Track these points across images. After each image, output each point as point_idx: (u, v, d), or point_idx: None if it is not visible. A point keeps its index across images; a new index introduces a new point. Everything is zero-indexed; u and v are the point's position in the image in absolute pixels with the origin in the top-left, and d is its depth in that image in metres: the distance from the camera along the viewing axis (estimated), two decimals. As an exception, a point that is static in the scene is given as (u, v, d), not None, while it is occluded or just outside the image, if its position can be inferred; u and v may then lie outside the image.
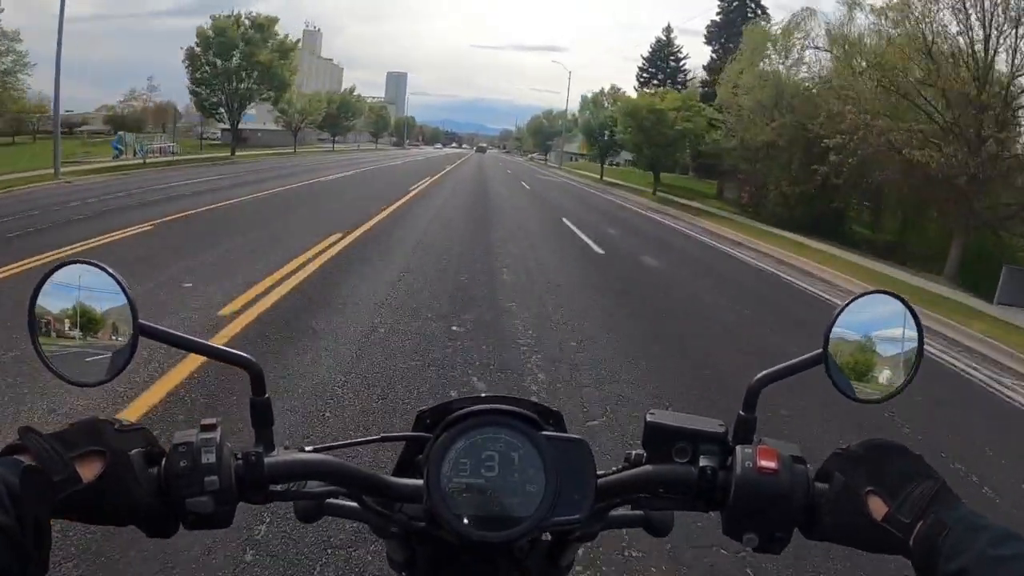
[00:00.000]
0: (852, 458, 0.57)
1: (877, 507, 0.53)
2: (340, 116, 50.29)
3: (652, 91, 33.00)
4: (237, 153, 31.22)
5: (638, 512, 0.69)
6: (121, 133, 27.37)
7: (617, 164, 46.07)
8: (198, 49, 31.51)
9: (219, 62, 31.46)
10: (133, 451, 0.56)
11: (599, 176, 37.95)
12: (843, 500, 0.55)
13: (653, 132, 27.08)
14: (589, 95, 40.43)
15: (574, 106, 53.46)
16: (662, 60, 44.27)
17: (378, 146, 77.86)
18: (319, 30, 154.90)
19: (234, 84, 32.06)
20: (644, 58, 44.95)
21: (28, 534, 0.46)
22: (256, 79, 32.54)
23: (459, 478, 0.59)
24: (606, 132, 34.45)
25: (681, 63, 44.30)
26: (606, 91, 40.23)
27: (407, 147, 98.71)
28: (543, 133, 73.77)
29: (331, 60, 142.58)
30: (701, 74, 38.59)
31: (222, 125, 37.88)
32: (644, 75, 44.39)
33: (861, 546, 0.55)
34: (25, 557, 0.45)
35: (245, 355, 0.63)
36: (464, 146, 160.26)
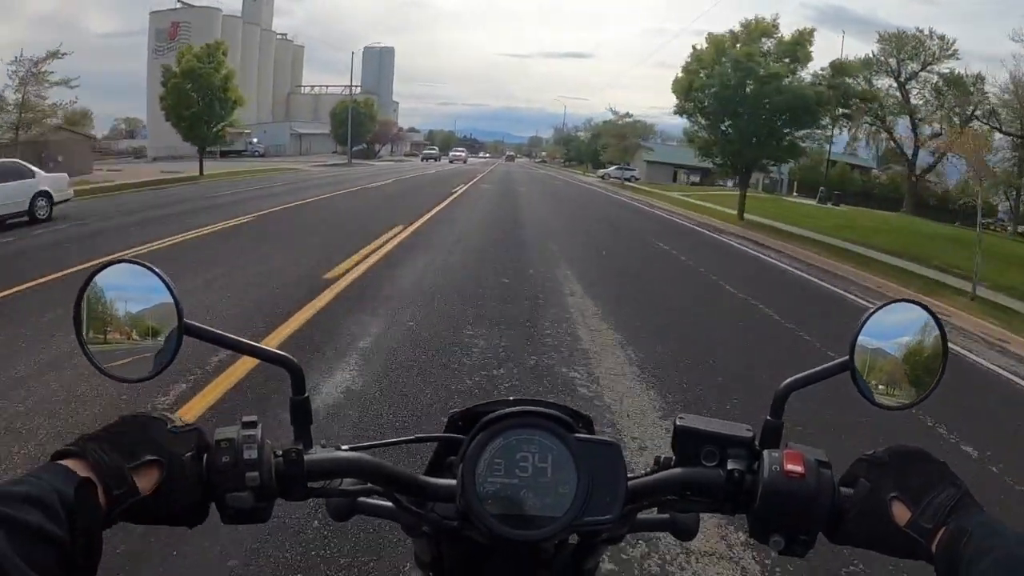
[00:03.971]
0: (877, 464, 0.59)
1: (900, 513, 0.55)
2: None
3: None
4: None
5: (664, 515, 0.70)
6: None
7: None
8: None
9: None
10: (187, 455, 0.56)
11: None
12: (867, 505, 0.57)
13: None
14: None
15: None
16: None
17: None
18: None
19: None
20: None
21: (79, 545, 0.46)
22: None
23: (493, 478, 0.60)
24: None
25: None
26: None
27: (376, 159, 51.13)
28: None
29: (284, 36, 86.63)
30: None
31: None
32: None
33: (884, 551, 0.57)
34: (73, 568, 0.46)
35: (286, 355, 0.65)
36: (482, 154, 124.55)
